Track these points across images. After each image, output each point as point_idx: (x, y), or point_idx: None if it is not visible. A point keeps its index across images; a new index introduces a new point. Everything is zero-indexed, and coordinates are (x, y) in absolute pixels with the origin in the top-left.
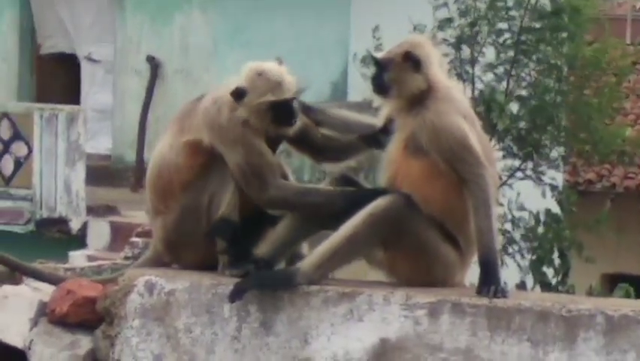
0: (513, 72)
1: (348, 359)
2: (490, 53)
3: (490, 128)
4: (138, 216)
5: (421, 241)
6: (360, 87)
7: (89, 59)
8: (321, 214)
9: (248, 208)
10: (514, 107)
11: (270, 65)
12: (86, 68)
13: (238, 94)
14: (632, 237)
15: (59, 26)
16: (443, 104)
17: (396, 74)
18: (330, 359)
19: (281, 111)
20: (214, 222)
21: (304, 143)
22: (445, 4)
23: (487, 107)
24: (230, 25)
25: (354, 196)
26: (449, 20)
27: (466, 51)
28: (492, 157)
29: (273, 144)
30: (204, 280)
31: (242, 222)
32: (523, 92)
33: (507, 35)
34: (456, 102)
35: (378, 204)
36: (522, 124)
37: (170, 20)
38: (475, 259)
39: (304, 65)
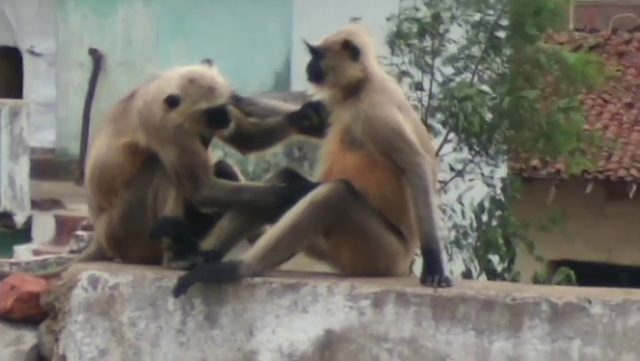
0: (479, 67)
1: (294, 350)
2: (451, 47)
3: (452, 121)
4: (83, 209)
5: (363, 228)
6: (303, 77)
7: (32, 53)
8: (255, 211)
9: (189, 202)
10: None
11: (201, 71)
12: (28, 62)
13: (171, 102)
14: (578, 223)
15: (1, 20)
16: (377, 95)
17: (333, 61)
18: (275, 351)
19: (215, 117)
20: (157, 222)
21: (232, 137)
22: None
23: (451, 98)
24: (173, 16)
25: (286, 192)
26: (415, 10)
27: (428, 42)
28: (429, 146)
29: (206, 139)
30: (148, 273)
31: (187, 217)
32: (485, 88)
33: (479, 29)
34: (390, 93)
35: (319, 191)
36: (477, 118)
37: (113, 12)
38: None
39: (247, 55)
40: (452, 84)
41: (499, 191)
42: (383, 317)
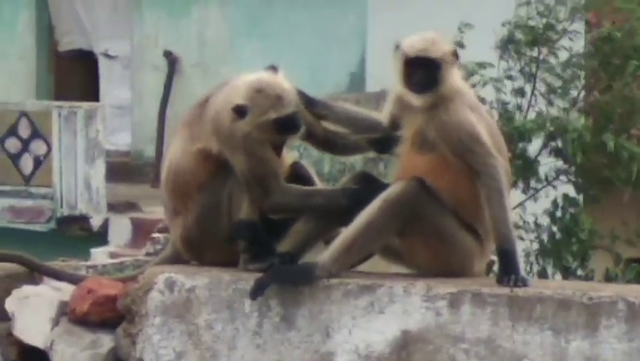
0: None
1: (370, 351)
2: (562, 56)
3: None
4: (159, 211)
5: (438, 227)
6: (378, 77)
7: (106, 55)
8: (327, 214)
9: None
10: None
11: (268, 79)
12: (103, 65)
13: (239, 112)
14: None
15: (76, 23)
16: (451, 98)
17: (446, 72)
18: (352, 353)
19: (284, 125)
20: (234, 224)
21: (307, 136)
22: (528, 2)
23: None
24: (247, 17)
25: (357, 194)
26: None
27: (535, 51)
28: (503, 148)
29: (279, 145)
30: (224, 276)
31: (263, 219)
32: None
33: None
34: (463, 95)
35: (392, 190)
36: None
37: (187, 14)
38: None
39: (322, 56)
40: (552, 96)
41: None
42: (459, 318)
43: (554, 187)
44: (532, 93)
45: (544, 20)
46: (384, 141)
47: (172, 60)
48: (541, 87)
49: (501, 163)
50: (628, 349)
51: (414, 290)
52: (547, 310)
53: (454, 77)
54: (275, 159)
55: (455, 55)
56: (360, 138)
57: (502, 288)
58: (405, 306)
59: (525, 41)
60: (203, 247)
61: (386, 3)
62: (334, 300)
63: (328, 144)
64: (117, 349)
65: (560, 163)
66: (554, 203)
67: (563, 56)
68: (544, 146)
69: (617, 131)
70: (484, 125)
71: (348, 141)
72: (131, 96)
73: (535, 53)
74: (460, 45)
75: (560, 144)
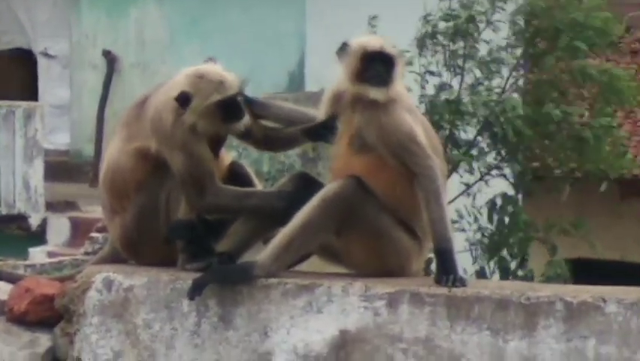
0: (514, 74)
1: (309, 351)
2: (483, 49)
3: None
4: (97, 211)
5: (375, 225)
6: (316, 77)
7: (45, 55)
8: (260, 216)
9: None
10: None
11: (208, 67)
12: (42, 64)
13: (183, 100)
14: (592, 222)
15: (14, 22)
16: (391, 100)
17: (399, 70)
18: (290, 352)
19: (229, 109)
20: (171, 224)
21: (245, 136)
22: None
23: (495, 117)
24: (186, 16)
25: (293, 196)
26: (451, 15)
27: (460, 44)
28: (438, 148)
29: (217, 144)
30: (162, 275)
31: (201, 219)
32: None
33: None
34: (400, 97)
35: (329, 188)
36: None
37: (126, 14)
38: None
39: (261, 56)
40: (481, 87)
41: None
42: (398, 317)
43: (486, 183)
44: (461, 86)
45: (466, 13)
46: (319, 128)
47: (111, 59)
48: (468, 80)
49: (438, 164)
50: (566, 349)
51: (352, 290)
52: (486, 310)
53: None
54: (212, 159)
55: (401, 56)
56: (295, 130)
57: (440, 288)
58: (343, 306)
59: (447, 34)
60: (141, 246)
61: (324, 3)
62: (273, 300)
63: (266, 141)
64: (55, 348)
65: (490, 159)
66: (492, 202)
67: (484, 49)
68: (478, 134)
69: (558, 104)
70: (421, 127)
71: (285, 135)
72: (70, 95)
73: (456, 47)
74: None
75: (496, 129)
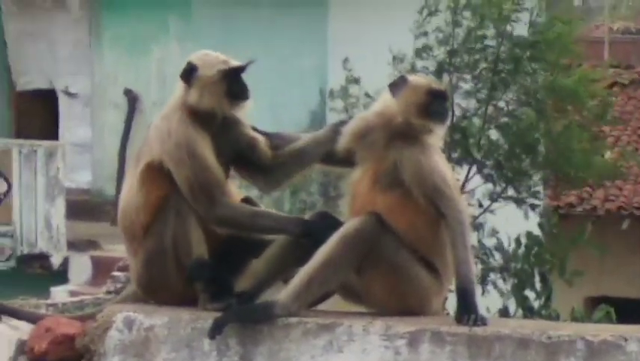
0: (492, 101)
1: None
2: (470, 81)
3: (467, 155)
4: (119, 250)
5: (395, 263)
6: (339, 117)
7: (67, 93)
8: (285, 255)
9: (222, 243)
10: (493, 134)
11: None
12: (63, 102)
13: (189, 70)
14: (615, 259)
15: (36, 62)
16: (426, 142)
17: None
18: None
19: (233, 82)
20: (191, 264)
21: (251, 162)
22: (425, 34)
23: (462, 134)
24: None
25: (307, 225)
26: (428, 48)
27: (445, 79)
28: (458, 188)
29: (225, 167)
30: (183, 315)
31: (221, 258)
32: (503, 120)
33: (483, 65)
34: (434, 140)
35: (350, 225)
36: (500, 151)
37: (147, 52)
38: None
39: (282, 94)
40: (473, 119)
41: (531, 221)
42: (419, 356)
43: (492, 212)
44: (453, 118)
45: (444, 49)
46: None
47: (132, 98)
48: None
49: (465, 208)
50: None
51: (373, 329)
52: (506, 349)
53: None
54: (219, 169)
55: None
56: (310, 149)
57: (461, 327)
58: (364, 345)
59: (430, 72)
60: (154, 290)
61: (345, 41)
62: (293, 339)
63: (276, 171)
64: None
65: (489, 186)
66: (517, 241)
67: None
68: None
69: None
70: (449, 170)
71: (295, 150)
72: (91, 134)
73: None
74: (356, 81)
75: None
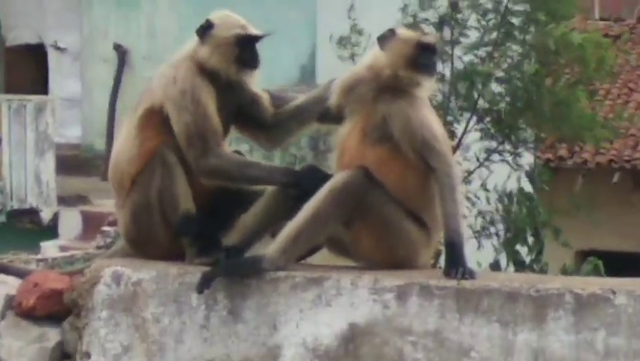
0: (495, 54)
1: (318, 344)
2: (472, 35)
3: (471, 106)
4: (109, 204)
5: (383, 216)
6: (329, 69)
7: (56, 47)
8: (273, 208)
9: (210, 197)
10: (494, 87)
11: None
12: (52, 57)
13: (206, 27)
14: (605, 213)
15: (25, 17)
16: (418, 96)
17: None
18: (299, 345)
19: (246, 49)
20: (179, 219)
21: (253, 119)
22: None
23: (470, 82)
24: (196, 9)
25: (296, 175)
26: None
27: (447, 32)
28: (448, 142)
29: (225, 124)
30: (171, 269)
31: (209, 212)
32: (503, 74)
33: (491, 16)
34: (423, 93)
35: (338, 179)
36: (502, 105)
37: (136, 7)
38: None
39: (272, 49)
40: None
41: (525, 180)
42: (407, 310)
43: (487, 168)
44: (452, 73)
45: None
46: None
47: (122, 52)
48: (459, 66)
49: (455, 160)
50: (575, 341)
51: (361, 283)
52: (495, 302)
53: None
54: (218, 120)
55: None
56: (307, 108)
57: (449, 280)
58: (352, 299)
59: (431, 22)
60: (141, 243)
61: None
62: (281, 293)
63: (276, 129)
64: (64, 343)
65: (486, 143)
66: (508, 196)
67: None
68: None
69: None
70: (439, 124)
71: (294, 110)
72: (80, 89)
73: (445, 34)
74: (360, 32)
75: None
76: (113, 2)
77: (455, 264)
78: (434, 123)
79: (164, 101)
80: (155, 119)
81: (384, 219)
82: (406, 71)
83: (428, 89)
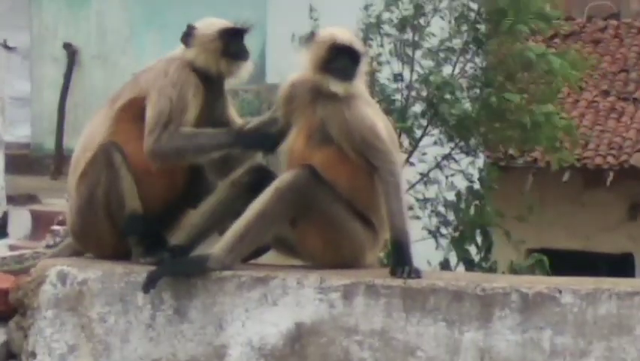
0: (461, 59)
1: (264, 344)
2: (434, 40)
3: (431, 111)
4: (59, 204)
5: (329, 215)
6: (278, 69)
7: (5, 46)
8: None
9: (160, 198)
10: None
11: None
12: (2, 56)
13: (188, 32)
14: (555, 212)
15: None
16: (353, 95)
17: (363, 66)
18: (245, 345)
19: (232, 42)
20: (126, 219)
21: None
22: None
23: (438, 90)
24: (147, 8)
25: (240, 135)
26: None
27: (409, 34)
28: (396, 142)
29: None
30: (117, 268)
31: (157, 212)
32: (466, 83)
33: (458, 22)
34: (362, 92)
35: (284, 177)
36: (467, 113)
37: (87, 6)
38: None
39: None
40: (432, 77)
41: (476, 181)
42: (353, 309)
43: (442, 170)
44: (412, 76)
45: (412, 3)
46: (252, 143)
47: (71, 52)
48: (419, 69)
49: (398, 159)
50: (521, 340)
51: (307, 282)
52: (441, 301)
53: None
54: (192, 117)
55: (367, 55)
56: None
57: (395, 280)
58: (298, 298)
59: (393, 24)
60: (86, 239)
61: None
62: (227, 292)
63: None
64: (9, 342)
65: (442, 149)
66: (458, 196)
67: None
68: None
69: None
70: (382, 121)
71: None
72: (30, 88)
73: (406, 36)
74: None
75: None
76: (63, 1)
77: (401, 263)
78: (375, 121)
79: (150, 91)
80: (134, 113)
81: (331, 219)
82: (315, 75)
83: (363, 86)
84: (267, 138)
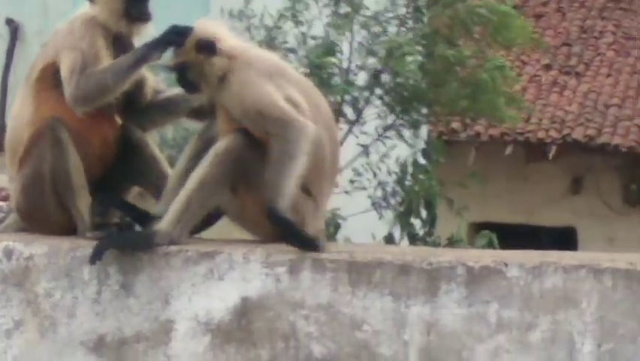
0: (402, 29)
1: (210, 318)
2: (371, 4)
3: (374, 81)
4: (2, 180)
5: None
6: None
7: None
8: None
9: (96, 158)
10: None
11: None
12: None
13: None
14: (498, 185)
15: None
16: (242, 72)
17: (197, 70)
18: (192, 320)
19: (135, 4)
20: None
21: (130, 99)
22: None
23: (387, 57)
24: None
25: (157, 39)
26: None
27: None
28: (322, 112)
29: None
30: (63, 244)
31: (101, 185)
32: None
33: None
34: (256, 65)
35: (220, 143)
36: (411, 81)
37: None
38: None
39: (165, 23)
40: (385, 38)
41: (420, 154)
42: (299, 283)
43: (384, 143)
44: (351, 48)
45: None
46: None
47: (14, 28)
48: (358, 37)
49: (304, 127)
50: (467, 314)
51: (253, 257)
52: (387, 275)
53: (220, 62)
54: (104, 55)
55: (200, 48)
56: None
57: (342, 253)
58: (244, 273)
59: None
60: (32, 217)
61: None
62: (173, 267)
63: (146, 110)
64: None
65: (386, 120)
66: (403, 169)
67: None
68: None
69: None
70: (293, 88)
71: (168, 109)
72: None
73: (342, 10)
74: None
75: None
76: None
77: (287, 238)
78: (267, 91)
79: (60, 52)
80: (50, 80)
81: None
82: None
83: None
84: (175, 31)
